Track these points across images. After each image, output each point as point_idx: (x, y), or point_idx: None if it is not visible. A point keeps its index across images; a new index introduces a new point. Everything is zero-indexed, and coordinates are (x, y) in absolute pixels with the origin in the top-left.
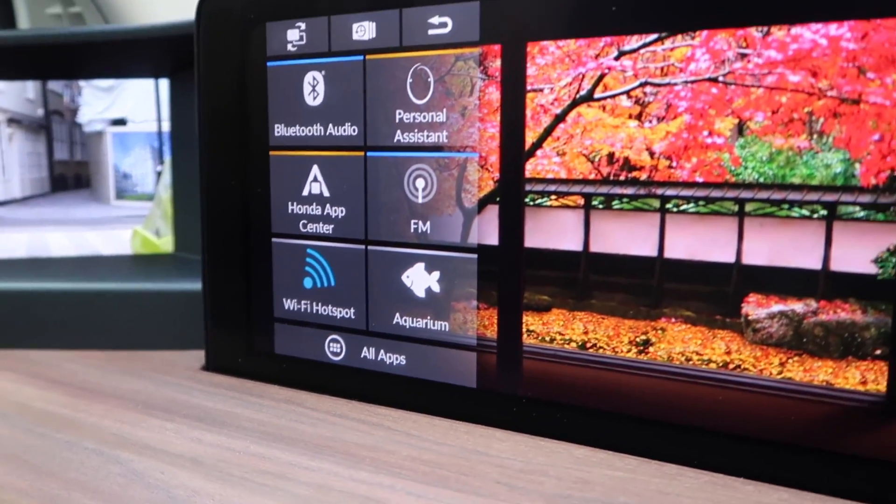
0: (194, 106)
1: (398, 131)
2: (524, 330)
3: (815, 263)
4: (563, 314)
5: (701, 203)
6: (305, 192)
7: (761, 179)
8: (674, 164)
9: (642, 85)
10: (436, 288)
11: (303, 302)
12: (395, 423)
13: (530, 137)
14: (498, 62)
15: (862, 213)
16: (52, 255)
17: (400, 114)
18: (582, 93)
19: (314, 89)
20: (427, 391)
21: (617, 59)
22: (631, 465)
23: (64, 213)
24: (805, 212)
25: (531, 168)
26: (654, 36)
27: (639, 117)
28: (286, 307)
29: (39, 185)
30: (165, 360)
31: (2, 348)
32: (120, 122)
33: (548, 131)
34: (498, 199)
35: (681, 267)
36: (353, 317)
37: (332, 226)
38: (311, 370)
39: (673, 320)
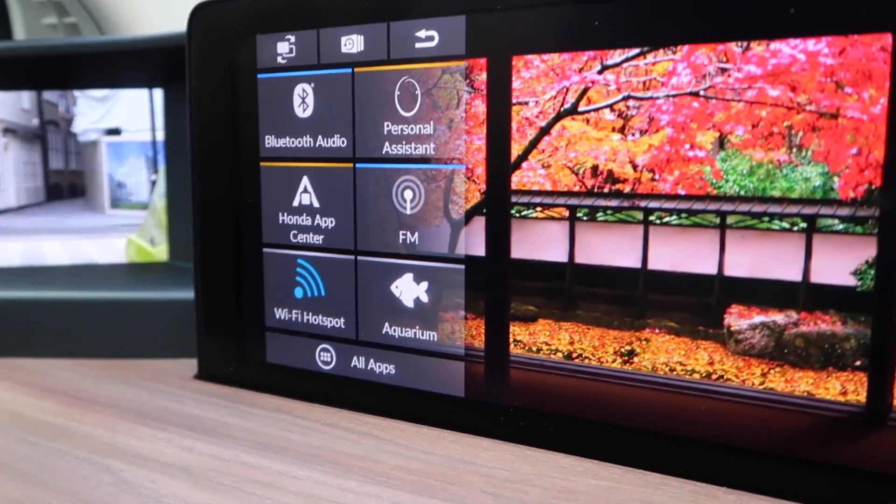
0: (186, 116)
1: (386, 143)
2: (511, 340)
3: (795, 275)
4: (550, 324)
5: (683, 215)
6: (296, 203)
7: (742, 192)
8: (656, 176)
9: (625, 98)
10: (424, 298)
11: (294, 311)
12: (384, 432)
13: (516, 150)
14: (484, 75)
15: (841, 226)
16: (48, 263)
17: (388, 126)
18: (566, 106)
19: (304, 101)
20: (416, 400)
21: (600, 73)
22: (615, 474)
23: (59, 222)
24: (785, 224)
25: (517, 180)
26: (636, 50)
27: (622, 130)
28: (277, 316)
29: (35, 194)
30: (158, 369)
31: None
32: (114, 131)
33: (533, 144)
34: (484, 210)
35: (664, 278)
36: (343, 326)
37: (322, 236)
38: (301, 379)
39: (657, 331)
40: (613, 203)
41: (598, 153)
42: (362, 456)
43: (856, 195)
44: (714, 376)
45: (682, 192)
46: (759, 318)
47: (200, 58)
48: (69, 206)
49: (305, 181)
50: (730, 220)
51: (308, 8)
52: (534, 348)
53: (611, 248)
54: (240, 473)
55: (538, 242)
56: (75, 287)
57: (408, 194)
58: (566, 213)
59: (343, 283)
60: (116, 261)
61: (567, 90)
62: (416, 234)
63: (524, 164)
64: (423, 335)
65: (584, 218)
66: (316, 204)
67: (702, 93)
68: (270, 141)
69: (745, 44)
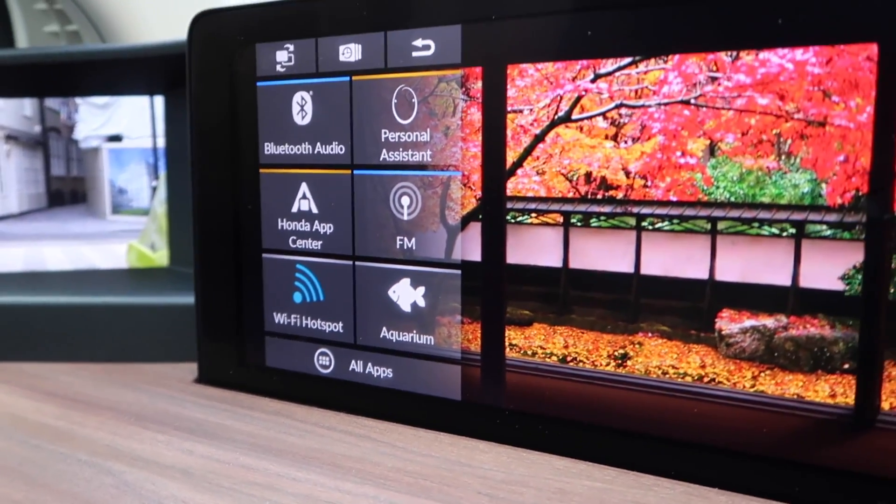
0: (187, 123)
1: (384, 150)
2: (507, 344)
3: (785, 280)
4: (545, 329)
5: (675, 221)
6: (294, 209)
7: (732, 199)
8: (649, 183)
9: (618, 107)
10: (421, 303)
11: (293, 316)
12: (381, 434)
13: (511, 157)
14: (479, 84)
15: (829, 232)
16: (49, 268)
17: (385, 133)
18: (560, 114)
19: (302, 109)
20: (413, 403)
21: (593, 81)
22: (609, 475)
23: (60, 228)
24: (775, 230)
25: (512, 187)
26: (628, 59)
27: (615, 138)
28: (276, 321)
29: (36, 200)
30: (159, 373)
31: None
32: (116, 138)
33: (528, 151)
34: (480, 216)
35: (657, 283)
36: (341, 331)
37: (320, 242)
38: (300, 383)
39: (650, 335)
40: (607, 209)
41: (592, 160)
42: (360, 458)
43: (843, 201)
44: (706, 379)
45: (673, 198)
46: (749, 322)
47: (201, 65)
48: (71, 211)
49: (304, 187)
50: (720, 225)
51: (307, 17)
52: (529, 352)
53: (604, 253)
54: (239, 475)
55: (533, 248)
56: (76, 292)
57: (405, 200)
58: (560, 219)
59: (341, 288)
60: (117, 266)
61: (561, 98)
62: (414, 239)
63: (519, 171)
64: (420, 339)
65: (578, 224)
66: (315, 210)
67: (692, 101)
68: (270, 148)
69: (734, 53)
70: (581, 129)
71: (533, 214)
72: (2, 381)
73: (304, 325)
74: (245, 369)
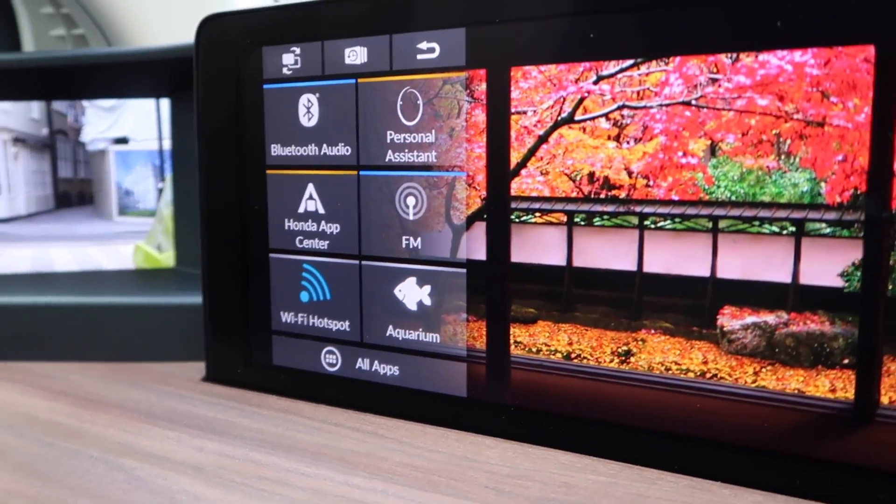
0: (194, 125)
1: (389, 151)
2: (512, 341)
3: (785, 277)
4: (549, 326)
5: (677, 220)
6: (301, 210)
7: (733, 197)
8: (651, 183)
9: (620, 108)
10: (427, 301)
11: (299, 315)
12: (389, 431)
13: (515, 157)
14: (483, 86)
15: (828, 230)
16: (56, 270)
17: (391, 135)
18: (563, 115)
19: (309, 111)
20: (419, 400)
21: (596, 83)
22: (613, 470)
23: (68, 230)
24: (775, 228)
25: (516, 187)
26: (630, 61)
27: (617, 138)
28: (283, 320)
29: (44, 202)
30: (166, 372)
31: (7, 361)
32: (122, 140)
33: (531, 152)
34: (485, 216)
35: (659, 281)
36: (347, 329)
37: (327, 242)
38: (307, 381)
39: (652, 332)
40: (610, 208)
41: (595, 160)
42: (368, 454)
43: (842, 200)
44: (708, 375)
45: (675, 197)
46: (750, 319)
47: (208, 69)
48: (78, 213)
49: (311, 188)
50: (722, 224)
51: (313, 21)
52: (534, 349)
53: (607, 251)
54: (249, 471)
55: (537, 247)
56: (84, 292)
57: (410, 201)
58: (564, 219)
59: (348, 287)
60: (124, 267)
61: (564, 100)
62: (419, 239)
63: (523, 172)
64: (426, 337)
65: (582, 223)
66: (321, 210)
67: (693, 102)
68: (276, 149)
69: (734, 55)
70: (584, 129)
71: (537, 214)
72: (13, 381)
73: (310, 324)
74: (252, 368)
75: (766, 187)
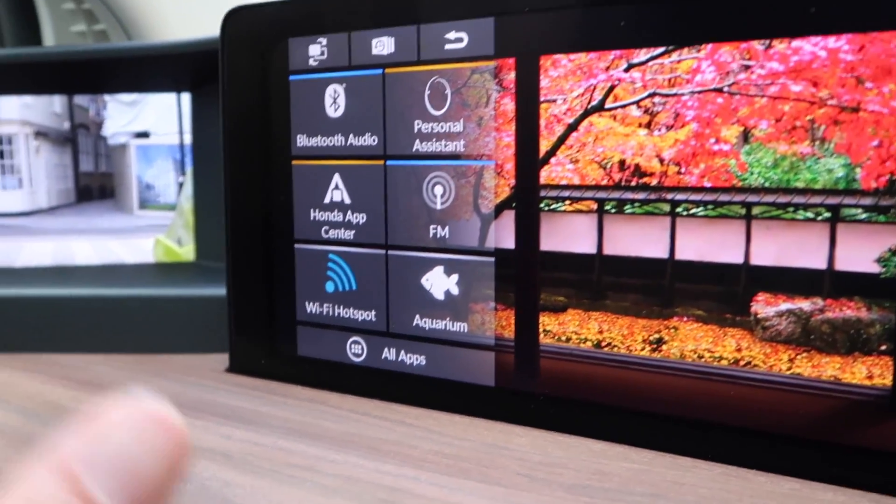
0: (218, 118)
1: (417, 141)
2: (541, 330)
3: (820, 263)
4: (579, 314)
5: (709, 207)
6: (327, 200)
7: (767, 184)
8: (683, 170)
9: (651, 95)
10: (454, 290)
11: (325, 305)
12: (416, 420)
13: (544, 146)
14: (512, 75)
15: (864, 216)
16: (77, 263)
17: (418, 124)
18: (593, 103)
19: (335, 101)
20: (446, 390)
21: (626, 71)
22: (647, 458)
23: (88, 223)
24: (809, 214)
25: (545, 175)
26: (661, 49)
27: (648, 126)
28: (308, 310)
29: (65, 195)
30: (189, 364)
31: (31, 352)
32: (143, 134)
33: (561, 140)
34: (514, 204)
35: (691, 268)
36: (374, 319)
37: (353, 231)
38: (333, 371)
39: (685, 319)
40: (641, 196)
41: (626, 148)
42: (397, 442)
43: (878, 185)
44: (742, 363)
45: (707, 184)
46: (785, 306)
47: (233, 60)
48: (99, 207)
49: (337, 178)
50: (755, 210)
51: (339, 11)
52: (563, 338)
53: (638, 239)
54: (278, 458)
55: (567, 235)
56: (106, 285)
57: (438, 190)
58: (594, 206)
59: (374, 277)
60: (144, 260)
61: (594, 88)
62: (447, 228)
63: (552, 160)
64: (453, 326)
65: (612, 210)
66: (347, 200)
67: (726, 89)
68: (302, 140)
69: (767, 42)
70: (614, 117)
71: (567, 202)
72: (37, 371)
73: (336, 314)
74: (276, 359)
75: (801, 173)
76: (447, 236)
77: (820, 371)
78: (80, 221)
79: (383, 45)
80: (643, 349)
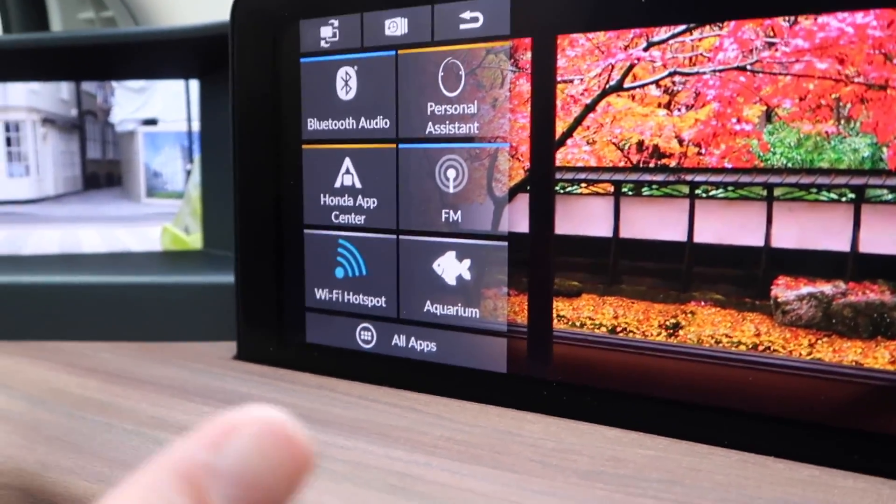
0: (226, 105)
1: (430, 123)
2: (554, 315)
3: (843, 246)
4: (594, 299)
5: (730, 188)
6: (338, 184)
7: (790, 164)
8: (703, 150)
9: (671, 74)
10: (466, 275)
11: (334, 291)
12: (426, 406)
13: (560, 127)
14: (528, 55)
15: (890, 196)
16: (84, 251)
17: (431, 106)
18: (612, 83)
19: (347, 84)
20: (457, 377)
21: (646, 49)
22: (662, 444)
23: (96, 211)
24: (833, 195)
25: (561, 157)
26: (682, 27)
27: (668, 106)
28: (317, 297)
29: (73, 183)
30: (197, 351)
31: (37, 340)
32: (151, 121)
33: (578, 121)
34: (528, 187)
35: (710, 251)
36: (384, 305)
37: (363, 216)
38: (342, 358)
39: (702, 304)
40: (659, 178)
41: (644, 129)
42: (407, 428)
43: None
44: (761, 348)
45: (728, 165)
46: (806, 289)
47: (243, 43)
48: (106, 194)
49: (348, 162)
50: (777, 192)
51: None
52: (577, 323)
53: (656, 222)
54: None
55: (582, 218)
56: (113, 272)
57: (451, 173)
58: (611, 189)
59: (384, 263)
60: (151, 248)
61: (612, 67)
62: (459, 212)
63: (569, 141)
64: (465, 312)
65: (630, 193)
66: (358, 185)
67: (749, 67)
68: (313, 124)
69: (792, 18)
70: (633, 97)
71: (582, 184)
72: (42, 359)
73: (346, 301)
74: (285, 346)
75: (825, 153)
76: (460, 220)
77: (841, 356)
78: (87, 209)
79: (396, 25)
80: (659, 334)
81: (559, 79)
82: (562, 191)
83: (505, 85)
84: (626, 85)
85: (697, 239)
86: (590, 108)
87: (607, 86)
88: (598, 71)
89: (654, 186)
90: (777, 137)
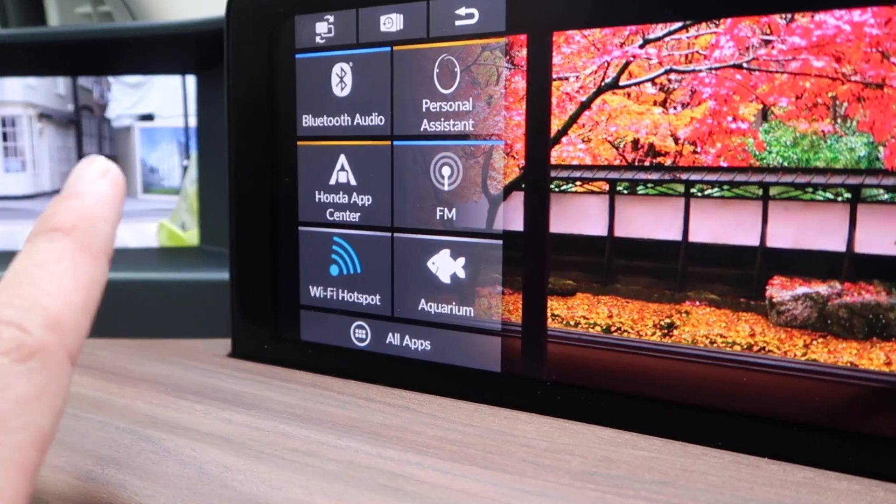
0: (223, 99)
1: (424, 120)
2: (549, 314)
3: (839, 246)
4: (588, 298)
5: (725, 187)
6: (332, 182)
7: (785, 163)
8: (698, 149)
9: (667, 72)
10: (461, 274)
11: (329, 289)
12: (421, 405)
13: (556, 125)
14: (524, 52)
15: (886, 196)
16: None
17: (426, 103)
18: (607, 80)
19: (342, 80)
20: (451, 376)
21: (642, 47)
22: (655, 445)
23: None
24: (829, 195)
25: (556, 155)
26: (678, 24)
27: (663, 104)
28: (312, 294)
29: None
30: (192, 348)
31: None
32: (147, 117)
33: (573, 119)
34: (523, 185)
35: (705, 250)
36: (378, 303)
37: (358, 214)
38: (336, 356)
39: (697, 303)
40: (654, 176)
41: (639, 127)
42: (400, 427)
43: None
44: (755, 348)
45: (724, 164)
46: (801, 290)
47: (239, 39)
48: None
49: (342, 159)
50: (773, 191)
51: None
52: (572, 322)
53: (651, 221)
54: (279, 442)
55: (577, 216)
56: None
57: (446, 171)
58: (606, 187)
59: (379, 261)
60: (148, 245)
61: (608, 65)
62: (454, 210)
63: (564, 139)
64: (459, 311)
65: (625, 191)
66: (353, 182)
67: (745, 65)
68: (308, 120)
69: (789, 16)
70: (629, 95)
71: (577, 182)
72: None
73: (340, 298)
74: (280, 343)
75: (821, 152)
76: (454, 218)
77: (836, 357)
78: None
79: (392, 21)
80: (654, 334)
81: (555, 76)
82: (557, 189)
83: (500, 82)
84: (621, 82)
85: (693, 238)
86: (585, 106)
87: (603, 83)
88: (593, 68)
89: (649, 185)
90: (773, 136)
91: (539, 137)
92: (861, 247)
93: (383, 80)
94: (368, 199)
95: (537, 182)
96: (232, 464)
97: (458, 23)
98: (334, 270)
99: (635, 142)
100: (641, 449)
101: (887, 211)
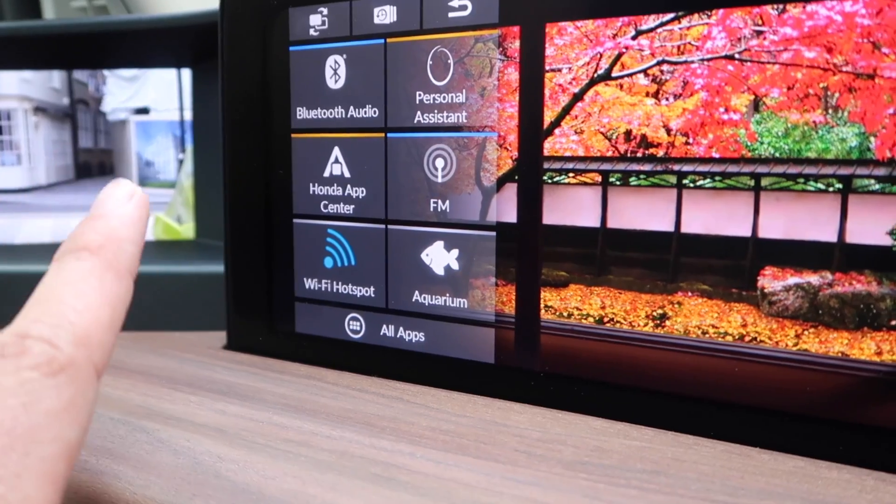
0: (217, 92)
1: (418, 112)
2: (542, 306)
3: (830, 236)
4: (581, 289)
5: (717, 178)
6: (326, 174)
7: (777, 154)
8: (690, 140)
9: (659, 63)
10: (455, 265)
11: (323, 281)
12: (414, 396)
13: (549, 116)
14: (517, 43)
15: (877, 186)
16: None
17: (420, 95)
18: (600, 72)
19: (336, 73)
20: (445, 367)
21: (634, 38)
22: (647, 435)
23: (88, 200)
24: (821, 185)
25: (549, 146)
26: (670, 15)
27: (656, 95)
28: (307, 286)
29: (64, 172)
30: (187, 341)
31: None
32: (143, 111)
33: (566, 110)
34: (516, 177)
35: (697, 241)
36: (372, 295)
37: (352, 206)
38: (331, 348)
39: (689, 294)
40: (647, 167)
41: (632, 118)
42: (393, 418)
43: (893, 155)
44: (747, 338)
45: (716, 155)
46: (793, 280)
47: (233, 32)
48: (98, 183)
49: (336, 152)
50: (764, 182)
51: None
52: (565, 313)
53: (643, 212)
54: (273, 433)
55: (570, 208)
56: None
57: (439, 163)
58: (599, 179)
59: (373, 253)
60: None
61: (601, 56)
62: (448, 202)
63: (557, 131)
64: (453, 302)
65: (617, 183)
66: (347, 174)
67: (737, 56)
68: (302, 113)
69: (780, 6)
70: (621, 86)
71: (570, 174)
72: None
73: (334, 291)
74: (274, 336)
75: (812, 143)
76: (448, 210)
77: (827, 347)
78: (79, 198)
79: (385, 13)
80: (646, 325)
81: (547, 68)
82: (550, 181)
83: (493, 74)
84: (614, 74)
85: (685, 229)
86: (578, 98)
87: (595, 75)
88: (586, 60)
89: (641, 176)
90: (765, 127)
91: (532, 129)
92: (852, 237)
93: (377, 73)
94: (362, 192)
95: (530, 174)
96: (225, 454)
97: (451, 14)
98: (328, 263)
99: (628, 133)
100: (633, 439)
101: (878, 201)
